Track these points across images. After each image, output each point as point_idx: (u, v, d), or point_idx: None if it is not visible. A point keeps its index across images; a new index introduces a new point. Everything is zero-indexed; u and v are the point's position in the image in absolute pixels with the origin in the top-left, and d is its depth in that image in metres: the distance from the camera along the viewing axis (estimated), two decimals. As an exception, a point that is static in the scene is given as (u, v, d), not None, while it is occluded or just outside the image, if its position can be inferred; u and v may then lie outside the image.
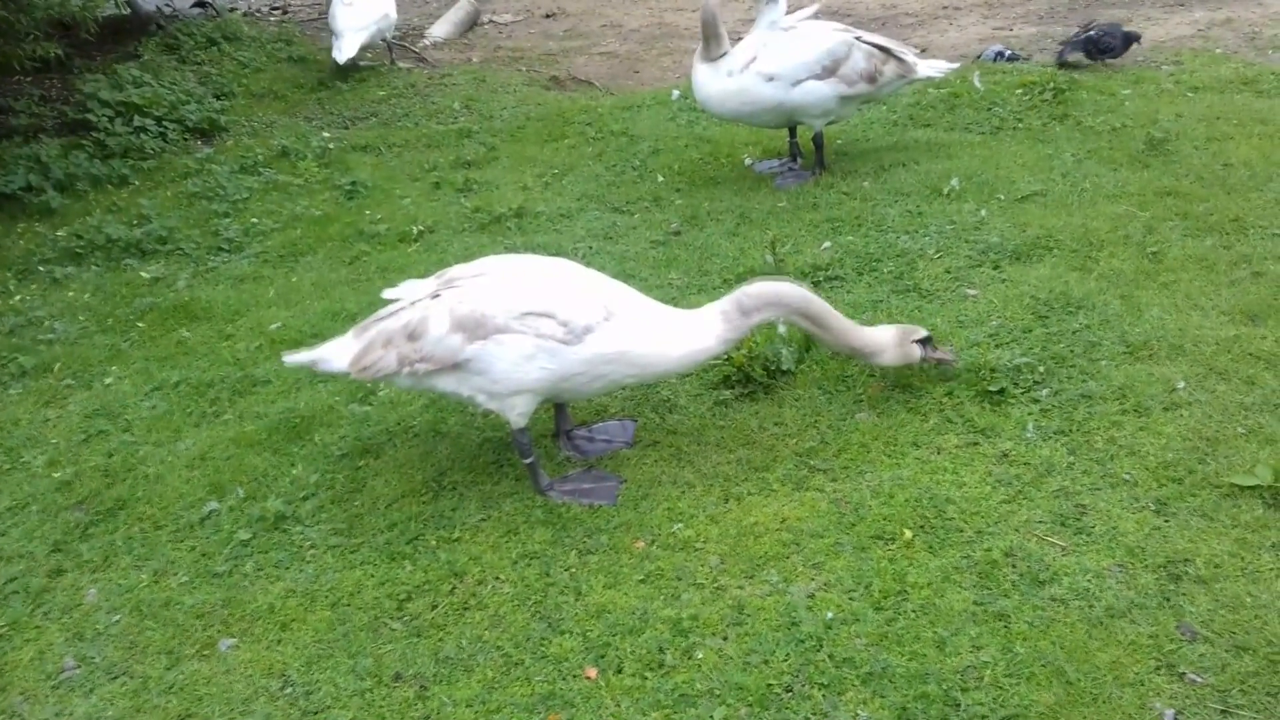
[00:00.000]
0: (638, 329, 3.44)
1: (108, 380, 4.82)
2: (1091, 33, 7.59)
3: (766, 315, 3.53)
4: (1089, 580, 3.00)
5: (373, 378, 3.52)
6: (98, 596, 3.45)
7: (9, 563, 3.66)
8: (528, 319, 3.36)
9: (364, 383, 3.91)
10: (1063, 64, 7.64)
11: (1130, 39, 7.56)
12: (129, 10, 10.05)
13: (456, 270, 3.60)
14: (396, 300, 3.64)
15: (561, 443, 3.88)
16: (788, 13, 5.85)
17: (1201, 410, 3.65)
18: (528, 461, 3.60)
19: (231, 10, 11.60)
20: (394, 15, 9.25)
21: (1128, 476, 3.38)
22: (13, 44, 6.95)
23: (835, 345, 3.70)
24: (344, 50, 8.80)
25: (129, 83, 8.24)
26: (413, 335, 3.43)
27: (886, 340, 3.71)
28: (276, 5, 12.72)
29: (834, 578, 3.11)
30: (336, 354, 3.59)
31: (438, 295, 3.47)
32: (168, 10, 11.09)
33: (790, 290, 3.53)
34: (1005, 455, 3.55)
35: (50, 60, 7.25)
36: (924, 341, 3.78)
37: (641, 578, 3.20)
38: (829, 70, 5.70)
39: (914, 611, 2.96)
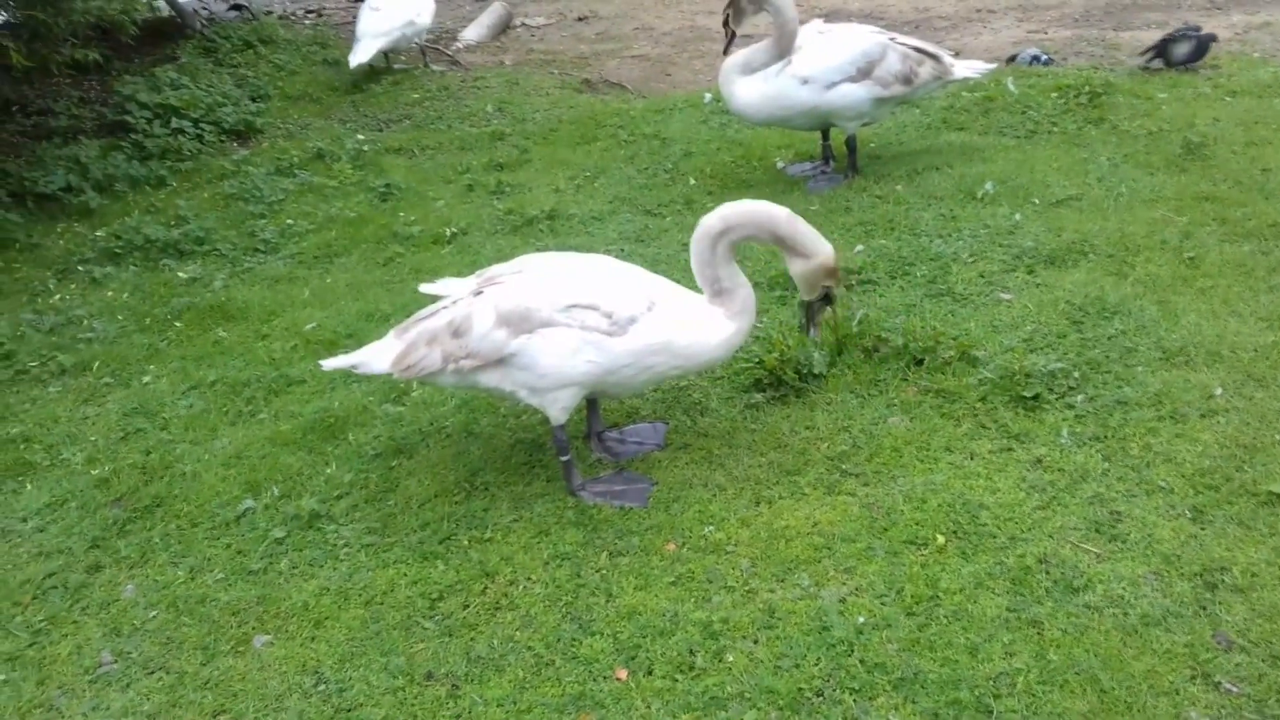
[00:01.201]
0: (680, 318, 3.45)
1: (145, 379, 4.88)
2: (1168, 41, 7.48)
3: (723, 244, 3.43)
4: (1124, 588, 2.97)
5: (417, 376, 3.55)
6: (135, 592, 3.50)
7: (48, 558, 3.71)
8: (573, 311, 3.37)
9: (402, 382, 3.93)
10: (1144, 69, 7.56)
11: (1204, 44, 7.41)
12: (171, 12, 10.17)
13: (496, 269, 3.62)
14: (436, 297, 3.67)
15: (593, 444, 3.89)
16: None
17: (1239, 417, 3.61)
18: (564, 459, 3.62)
19: (267, 14, 11.72)
20: (424, 21, 9.28)
21: (1163, 483, 3.35)
22: (51, 48, 7.04)
23: (783, 247, 3.55)
24: (357, 55, 8.86)
25: (167, 85, 8.35)
26: (457, 332, 3.45)
27: (821, 257, 3.50)
28: (311, 9, 12.83)
29: (865, 582, 3.10)
30: (377, 356, 3.62)
31: (480, 292, 3.50)
32: (205, 14, 11.23)
33: (715, 220, 3.42)
34: (1039, 461, 3.52)
35: (89, 64, 7.35)
36: (828, 300, 3.65)
37: (672, 580, 3.20)
38: (864, 72, 5.68)
39: (946, 617, 2.95)
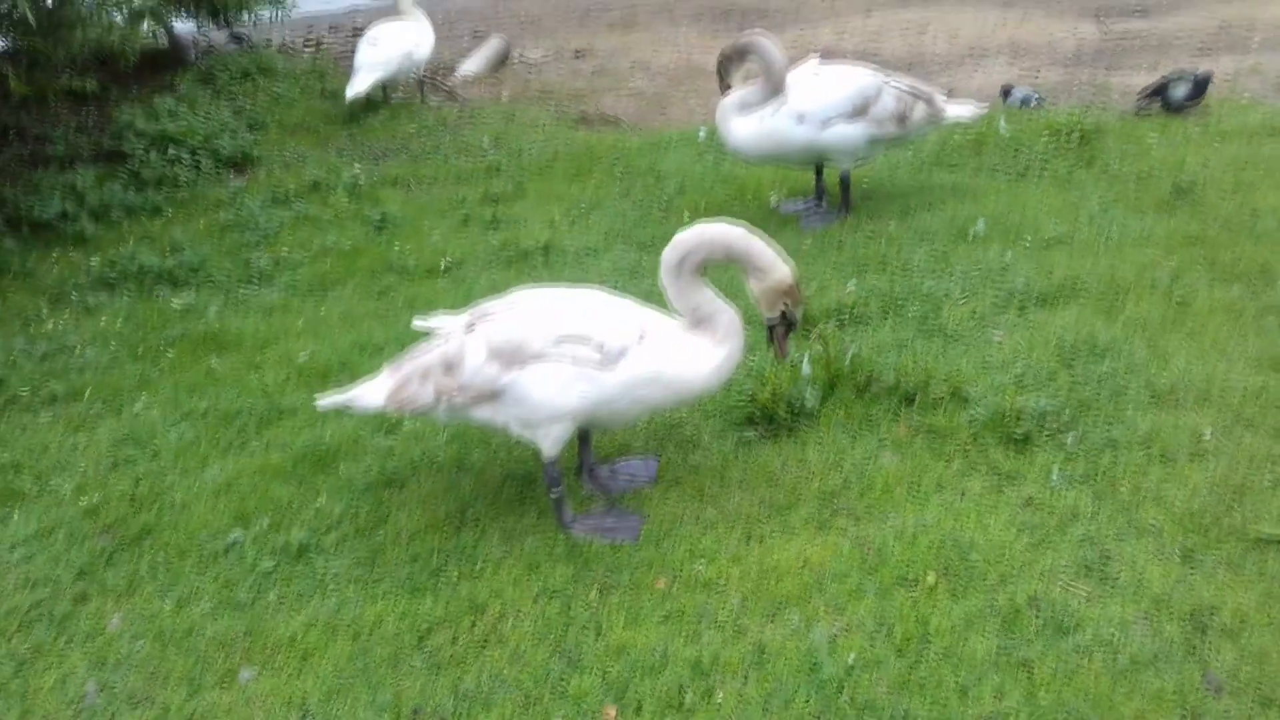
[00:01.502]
0: (670, 349, 3.46)
1: (137, 408, 4.87)
2: (1167, 85, 7.55)
3: (686, 269, 3.48)
4: (1113, 629, 2.97)
5: (410, 412, 3.56)
6: (121, 623, 3.47)
7: (34, 588, 3.69)
8: (563, 344, 3.39)
9: (396, 415, 3.94)
10: (1138, 112, 7.64)
11: (1203, 84, 7.46)
12: (167, 42, 10.23)
13: (489, 304, 3.64)
14: (428, 331, 3.68)
15: (585, 479, 3.89)
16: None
17: (1228, 459, 3.62)
18: (555, 494, 3.62)
19: (266, 45, 11.79)
20: (422, 54, 9.35)
21: (1153, 525, 3.36)
22: (50, 76, 7.07)
23: (741, 261, 3.54)
24: (354, 86, 8.93)
25: (164, 114, 8.36)
26: (450, 367, 3.47)
27: (777, 275, 3.50)
28: (310, 40, 12.91)
29: (856, 621, 3.10)
30: (370, 392, 3.64)
31: (473, 327, 3.51)
32: (204, 44, 11.29)
33: (671, 250, 3.49)
34: (1030, 501, 3.53)
35: (87, 93, 7.38)
36: (786, 321, 3.63)
37: (662, 617, 3.20)
38: (859, 111, 5.74)
39: (936, 657, 2.95)
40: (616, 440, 4.14)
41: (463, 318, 3.64)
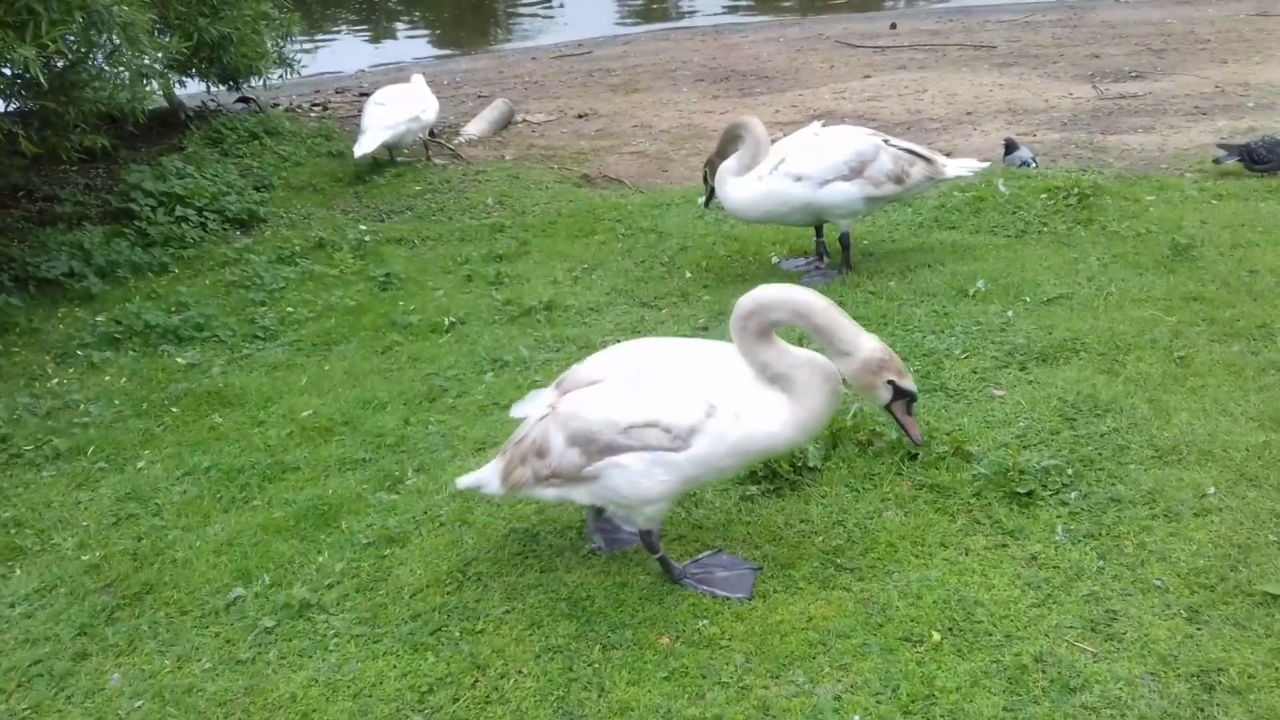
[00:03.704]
0: (741, 416, 3.30)
1: (140, 464, 4.88)
2: (1251, 144, 7.59)
3: (753, 326, 3.27)
4: (1120, 688, 2.95)
5: (524, 495, 3.57)
6: (121, 681, 3.45)
7: (35, 645, 3.67)
8: (632, 432, 3.31)
9: (514, 499, 3.83)
10: (1216, 161, 7.65)
11: None
12: (168, 104, 10.39)
13: (573, 371, 3.57)
14: (524, 418, 3.65)
15: (589, 529, 3.87)
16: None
17: (1233, 516, 3.62)
18: (658, 556, 3.57)
19: (274, 106, 11.97)
20: (429, 116, 9.52)
21: (1159, 583, 3.34)
22: (61, 135, 7.18)
23: (816, 337, 3.31)
24: (361, 146, 9.08)
25: (172, 174, 8.48)
26: (539, 452, 3.44)
27: (863, 351, 3.24)
28: (317, 103, 13.11)
29: (861, 679, 3.07)
30: (492, 476, 3.62)
31: (554, 407, 3.48)
32: (212, 105, 11.47)
33: (747, 301, 3.27)
34: (1034, 558, 3.52)
35: (97, 151, 7.49)
36: (905, 396, 3.33)
37: (665, 675, 3.17)
38: (856, 171, 5.84)
39: (942, 716, 2.92)
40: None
41: (550, 393, 3.60)
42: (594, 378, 3.48)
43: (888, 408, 3.35)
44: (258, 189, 9.05)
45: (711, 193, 6.14)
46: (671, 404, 3.30)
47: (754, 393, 3.32)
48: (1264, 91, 10.20)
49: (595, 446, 3.35)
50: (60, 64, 7.00)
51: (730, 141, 5.98)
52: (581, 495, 3.48)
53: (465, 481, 3.71)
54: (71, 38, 6.57)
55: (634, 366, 3.45)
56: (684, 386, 3.34)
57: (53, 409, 5.54)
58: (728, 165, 5.94)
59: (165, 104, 10.42)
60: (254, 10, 9.73)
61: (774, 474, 4.04)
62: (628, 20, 20.46)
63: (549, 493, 3.52)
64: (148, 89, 7.39)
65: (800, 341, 3.60)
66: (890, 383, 3.27)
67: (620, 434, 3.31)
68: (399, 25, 21.72)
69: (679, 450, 3.29)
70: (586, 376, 3.50)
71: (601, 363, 3.54)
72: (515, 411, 3.75)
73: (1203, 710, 2.86)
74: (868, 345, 3.24)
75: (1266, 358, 4.65)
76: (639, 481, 3.33)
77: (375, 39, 19.95)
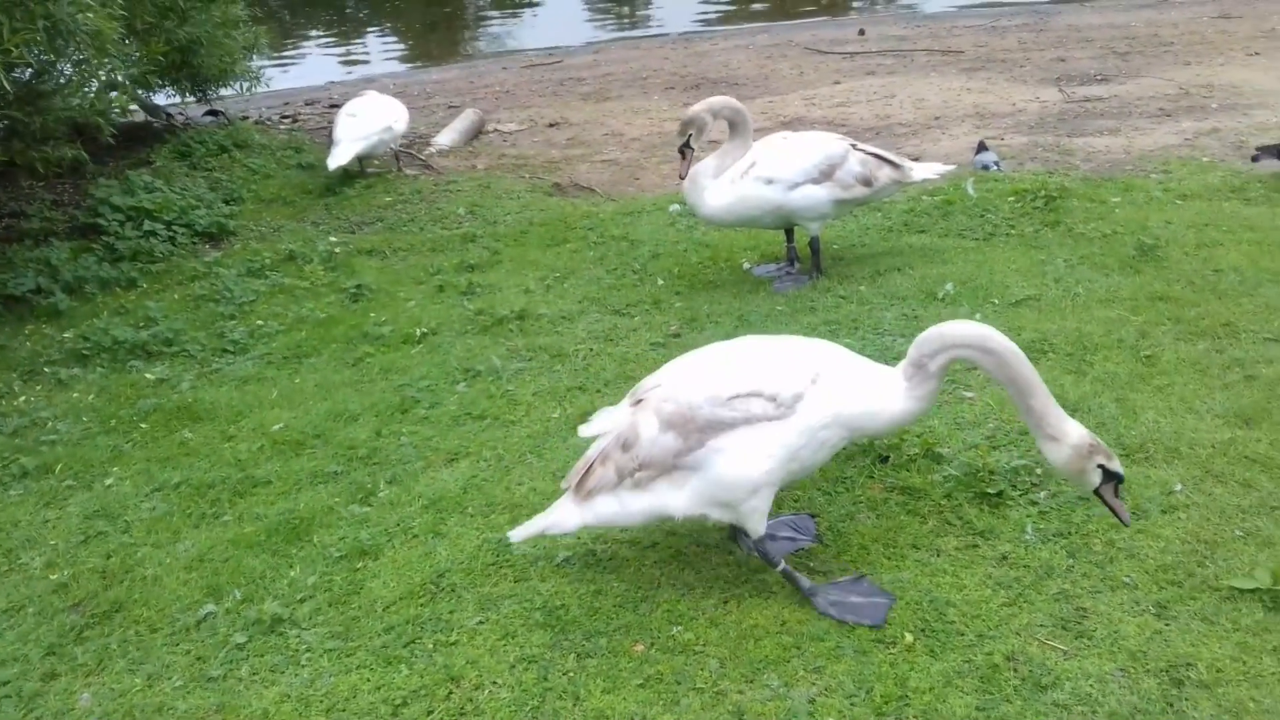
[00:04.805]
0: (846, 389, 3.29)
1: (108, 481, 4.83)
2: None
3: (944, 360, 3.23)
4: (1091, 685, 2.97)
5: (605, 519, 3.44)
6: (91, 701, 3.41)
7: (3, 666, 3.62)
8: (735, 403, 3.26)
9: (594, 528, 3.61)
10: (1254, 159, 7.59)
11: None
12: (147, 117, 10.31)
13: (648, 380, 3.53)
14: (596, 435, 3.58)
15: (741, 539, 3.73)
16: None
17: (1199, 513, 3.66)
18: (782, 570, 3.45)
19: (243, 118, 11.91)
20: (400, 128, 9.49)
21: (1127, 580, 3.37)
22: (32, 146, 7.10)
23: (1017, 402, 3.24)
24: (335, 158, 9.05)
25: (140, 188, 8.40)
26: (626, 445, 3.37)
27: (1072, 438, 3.15)
28: (286, 115, 13.05)
29: (835, 682, 3.08)
30: (561, 513, 3.50)
31: (639, 402, 3.44)
32: (181, 119, 11.39)
33: (960, 329, 3.22)
34: (1005, 558, 3.54)
35: (68, 162, 7.41)
36: (1113, 478, 3.19)
37: (640, 682, 3.17)
38: (825, 174, 5.90)
39: (915, 717, 2.93)
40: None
41: (624, 404, 3.56)
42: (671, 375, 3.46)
43: (1096, 491, 3.22)
44: (227, 202, 8.99)
45: (687, 158, 6.08)
46: (775, 373, 3.28)
47: (860, 367, 3.37)
48: (1227, 93, 10.32)
49: (694, 425, 3.26)
50: (27, 73, 6.93)
51: (702, 126, 5.93)
52: (678, 499, 3.34)
53: (521, 533, 3.55)
54: (36, 48, 6.50)
55: (720, 356, 3.44)
56: (786, 358, 3.35)
57: (19, 427, 5.48)
58: (705, 167, 5.95)
59: (140, 113, 10.34)
60: (223, 14, 9.67)
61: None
62: (600, 26, 20.49)
63: (637, 502, 3.38)
64: (117, 98, 7.32)
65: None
66: (1100, 467, 3.17)
67: (722, 406, 3.25)
68: (369, 37, 21.66)
69: (784, 418, 3.24)
70: (664, 377, 3.48)
71: (678, 364, 3.53)
72: (585, 430, 3.63)
73: (1172, 705, 2.89)
74: (1075, 432, 3.15)
75: (1231, 355, 4.70)
76: (741, 463, 3.24)
77: (345, 51, 19.88)
